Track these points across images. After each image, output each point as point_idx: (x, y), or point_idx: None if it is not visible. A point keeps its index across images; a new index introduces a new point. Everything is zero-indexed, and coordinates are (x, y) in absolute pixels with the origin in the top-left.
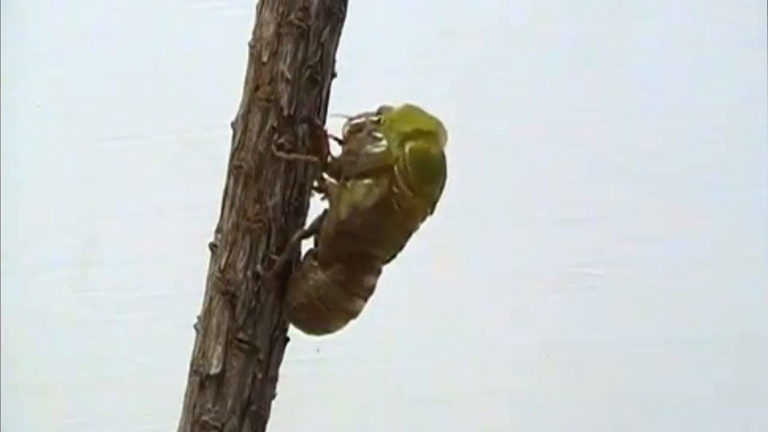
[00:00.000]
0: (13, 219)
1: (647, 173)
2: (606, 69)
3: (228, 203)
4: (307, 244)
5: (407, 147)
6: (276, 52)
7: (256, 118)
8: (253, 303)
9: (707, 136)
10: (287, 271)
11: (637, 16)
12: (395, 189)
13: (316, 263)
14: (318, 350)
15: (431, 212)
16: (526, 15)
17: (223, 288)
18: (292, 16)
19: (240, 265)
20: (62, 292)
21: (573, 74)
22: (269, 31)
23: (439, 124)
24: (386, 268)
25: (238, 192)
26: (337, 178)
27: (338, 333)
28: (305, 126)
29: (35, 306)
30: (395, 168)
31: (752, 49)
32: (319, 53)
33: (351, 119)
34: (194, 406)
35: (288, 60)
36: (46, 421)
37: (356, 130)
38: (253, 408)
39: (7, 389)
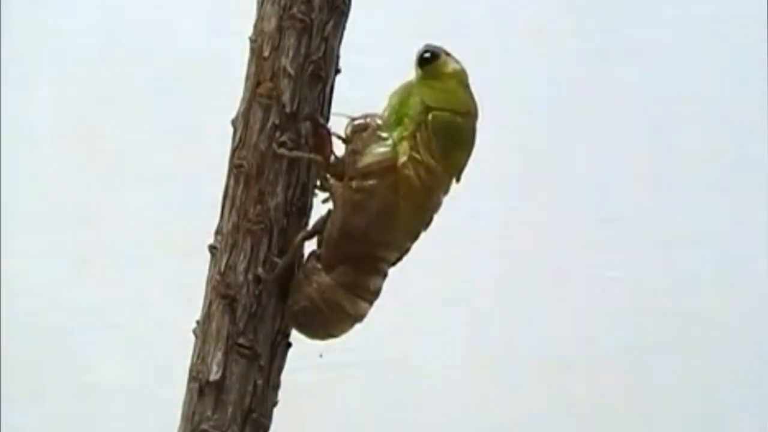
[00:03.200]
0: (9, 219)
1: (664, 173)
2: (618, 64)
3: (228, 203)
4: (309, 246)
5: (431, 114)
6: (278, 46)
7: (257, 116)
8: (254, 307)
9: (724, 136)
10: (289, 274)
11: (659, 7)
12: (416, 156)
13: (319, 265)
14: (321, 356)
15: (458, 180)
16: (536, 10)
17: (223, 291)
18: (295, 10)
19: (240, 267)
20: (56, 295)
21: (585, 69)
22: (271, 25)
23: (474, 104)
24: (392, 271)
25: (239, 192)
26: (341, 178)
27: (342, 338)
28: (308, 124)
29: (28, 309)
30: (417, 135)
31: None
32: (322, 48)
33: (353, 119)
34: (193, 413)
35: (290, 55)
36: (39, 429)
37: (360, 130)
38: (254, 416)
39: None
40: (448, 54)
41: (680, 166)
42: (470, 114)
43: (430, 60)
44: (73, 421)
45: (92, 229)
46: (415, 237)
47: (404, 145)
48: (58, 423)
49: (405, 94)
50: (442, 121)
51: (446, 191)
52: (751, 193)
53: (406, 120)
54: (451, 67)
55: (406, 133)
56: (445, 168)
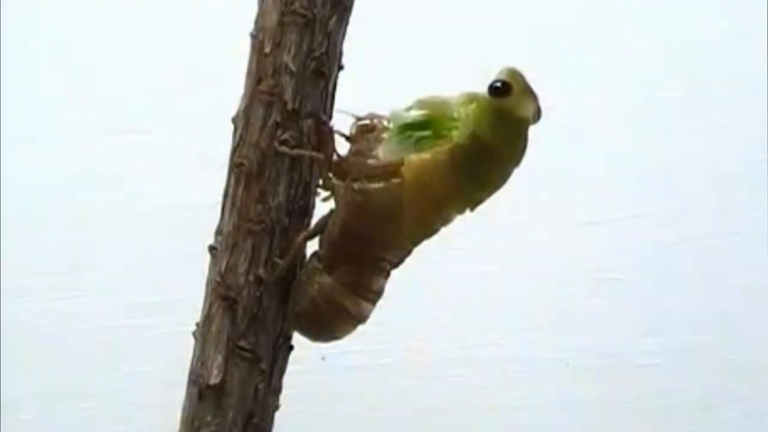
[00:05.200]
0: (9, 219)
1: (673, 173)
2: (629, 63)
3: (228, 203)
4: (311, 246)
5: (471, 140)
6: (279, 42)
7: (258, 113)
8: (255, 309)
9: (733, 136)
10: (291, 275)
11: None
12: (439, 167)
13: (320, 266)
14: (323, 358)
15: (472, 209)
16: (540, 5)
17: (223, 293)
18: (297, 5)
19: (241, 268)
20: (54, 296)
21: (593, 68)
22: (272, 20)
23: (520, 154)
24: (397, 271)
25: (240, 191)
26: (343, 177)
27: (345, 340)
28: (310, 121)
29: (21, 312)
30: (452, 147)
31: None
32: (325, 44)
33: (359, 119)
34: (193, 418)
35: (292, 51)
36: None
37: (366, 131)
38: (255, 420)
39: None
40: (525, 89)
41: (696, 167)
42: (509, 161)
43: (499, 92)
44: (72, 424)
45: (86, 228)
46: (417, 242)
47: (432, 148)
48: (57, 426)
49: (466, 101)
50: (478, 153)
51: (460, 212)
52: (758, 193)
53: (450, 123)
54: (517, 113)
55: (436, 140)
56: (462, 193)
